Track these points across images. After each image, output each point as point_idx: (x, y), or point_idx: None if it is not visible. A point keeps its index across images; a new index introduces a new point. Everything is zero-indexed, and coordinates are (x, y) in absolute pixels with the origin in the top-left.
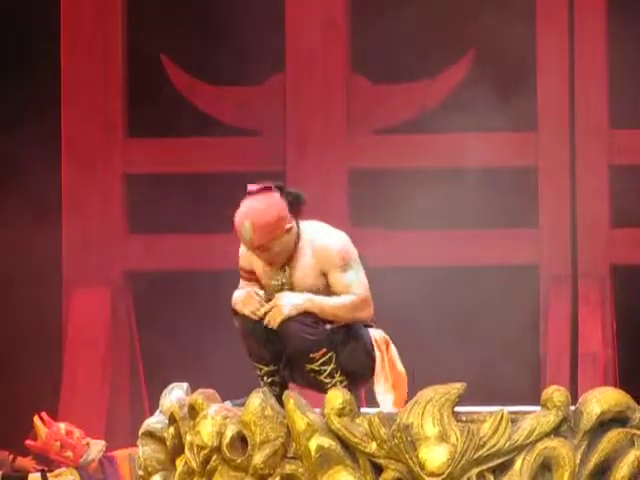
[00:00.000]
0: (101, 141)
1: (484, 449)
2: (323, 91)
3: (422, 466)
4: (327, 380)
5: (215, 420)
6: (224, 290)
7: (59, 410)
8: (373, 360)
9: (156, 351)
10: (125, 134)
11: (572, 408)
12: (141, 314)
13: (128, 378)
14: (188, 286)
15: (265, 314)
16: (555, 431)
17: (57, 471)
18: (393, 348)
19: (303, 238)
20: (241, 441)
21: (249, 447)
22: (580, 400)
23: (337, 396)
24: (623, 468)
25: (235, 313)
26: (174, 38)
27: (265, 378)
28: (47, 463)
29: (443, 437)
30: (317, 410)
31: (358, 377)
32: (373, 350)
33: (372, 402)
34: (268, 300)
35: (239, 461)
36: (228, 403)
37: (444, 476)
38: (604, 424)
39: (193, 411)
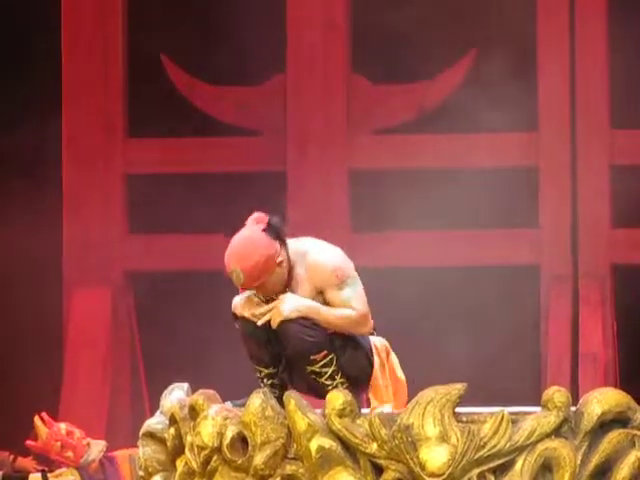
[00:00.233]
0: (102, 141)
1: (485, 450)
2: (323, 91)
3: (423, 467)
4: (328, 382)
5: (216, 421)
6: (224, 290)
7: (59, 410)
8: (372, 365)
9: (157, 351)
10: (125, 134)
11: (573, 409)
12: (142, 314)
13: (129, 378)
14: (189, 286)
15: (265, 314)
16: (556, 432)
17: (58, 471)
18: (393, 356)
19: (297, 259)
20: (242, 442)
21: (250, 448)
22: (581, 401)
23: (338, 397)
24: (624, 469)
25: (235, 317)
26: (174, 38)
27: (265, 380)
28: (48, 463)
29: (444, 438)
30: (318, 411)
31: (358, 381)
32: (372, 356)
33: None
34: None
35: (240, 462)
36: (229, 404)
37: (445, 477)
38: (605, 425)
39: (194, 412)
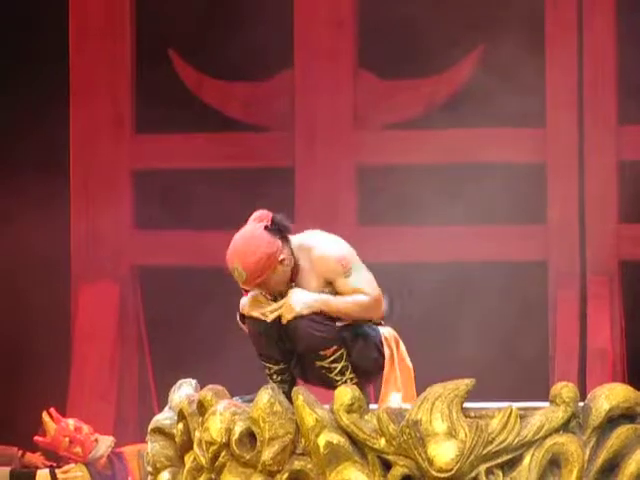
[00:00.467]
0: (110, 137)
1: (493, 445)
2: (331, 87)
3: (431, 462)
4: (338, 377)
5: (224, 416)
6: (232, 285)
7: (68, 406)
8: (383, 357)
9: (165, 346)
10: (133, 130)
11: (581, 404)
12: (149, 309)
13: (136, 373)
14: (196, 281)
15: (275, 310)
16: (564, 427)
17: (66, 467)
18: (402, 346)
19: (302, 254)
20: (250, 437)
21: (258, 443)
22: (589, 396)
23: (346, 392)
24: (632, 464)
25: (243, 318)
26: (182, 34)
27: (274, 377)
28: (56, 459)
29: (452, 433)
30: (326, 406)
31: (368, 374)
32: (383, 347)
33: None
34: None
35: (248, 457)
36: (237, 399)
37: (453, 472)
38: (613, 420)
39: (202, 407)
